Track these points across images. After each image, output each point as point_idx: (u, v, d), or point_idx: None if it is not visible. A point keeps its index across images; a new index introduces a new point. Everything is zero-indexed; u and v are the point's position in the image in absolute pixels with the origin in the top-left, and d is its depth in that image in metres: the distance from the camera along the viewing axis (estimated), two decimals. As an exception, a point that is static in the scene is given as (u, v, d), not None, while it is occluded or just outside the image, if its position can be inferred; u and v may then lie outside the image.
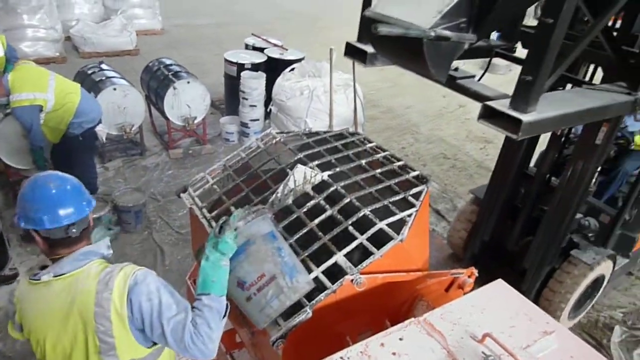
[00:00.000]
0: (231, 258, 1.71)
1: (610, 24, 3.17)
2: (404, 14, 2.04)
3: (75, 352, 1.62)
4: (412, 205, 2.13)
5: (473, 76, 2.63)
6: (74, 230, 1.63)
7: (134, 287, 1.57)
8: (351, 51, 2.70)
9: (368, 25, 2.12)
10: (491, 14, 2.04)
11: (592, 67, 3.62)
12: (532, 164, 3.97)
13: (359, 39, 2.70)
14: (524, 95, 1.93)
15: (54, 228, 1.59)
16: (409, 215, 2.07)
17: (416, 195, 2.20)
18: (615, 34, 2.83)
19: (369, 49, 2.59)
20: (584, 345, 1.79)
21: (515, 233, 3.84)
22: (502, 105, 1.99)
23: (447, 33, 1.97)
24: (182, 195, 2.54)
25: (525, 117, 1.92)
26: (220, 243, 1.67)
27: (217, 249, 1.67)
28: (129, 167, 5.60)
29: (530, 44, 1.96)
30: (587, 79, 3.52)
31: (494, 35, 3.14)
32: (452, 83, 2.59)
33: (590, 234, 3.73)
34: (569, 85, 3.24)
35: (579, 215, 3.63)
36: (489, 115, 2.01)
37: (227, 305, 1.65)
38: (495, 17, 2.06)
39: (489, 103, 2.01)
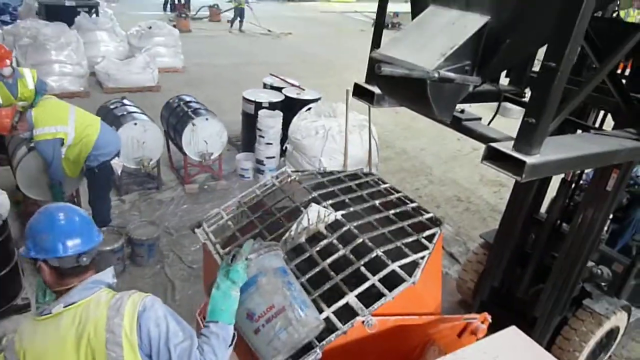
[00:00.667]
0: (241, 289, 1.73)
1: (619, 70, 3.21)
2: (409, 55, 2.09)
3: None
4: (425, 248, 2.13)
5: (479, 118, 2.65)
6: (84, 259, 1.66)
7: (142, 313, 1.60)
8: (359, 92, 2.72)
9: (374, 67, 2.21)
10: (495, 58, 2.08)
11: (602, 113, 3.63)
12: (543, 209, 3.93)
13: (367, 80, 2.74)
14: (527, 137, 1.92)
15: (65, 256, 1.63)
16: (422, 258, 2.07)
17: (429, 238, 2.20)
18: (624, 80, 2.86)
19: (377, 90, 2.63)
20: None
21: (525, 280, 3.74)
22: (505, 147, 1.98)
23: (451, 75, 2.01)
24: (196, 230, 2.57)
25: (529, 159, 1.90)
26: (232, 272, 1.71)
27: (228, 277, 1.71)
28: (145, 200, 5.67)
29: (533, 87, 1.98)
30: (597, 124, 3.52)
31: (505, 80, 3.19)
32: (458, 124, 2.60)
33: (603, 283, 3.64)
34: (578, 131, 3.25)
35: (590, 264, 3.57)
36: (493, 156, 2.00)
37: (234, 334, 1.67)
38: (500, 61, 2.10)
39: (493, 144, 2.01)
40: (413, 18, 2.32)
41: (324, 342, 1.81)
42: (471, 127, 2.57)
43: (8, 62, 4.73)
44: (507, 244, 3.72)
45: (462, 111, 2.64)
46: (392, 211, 2.40)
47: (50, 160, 4.28)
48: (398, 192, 2.62)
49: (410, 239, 2.18)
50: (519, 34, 2.00)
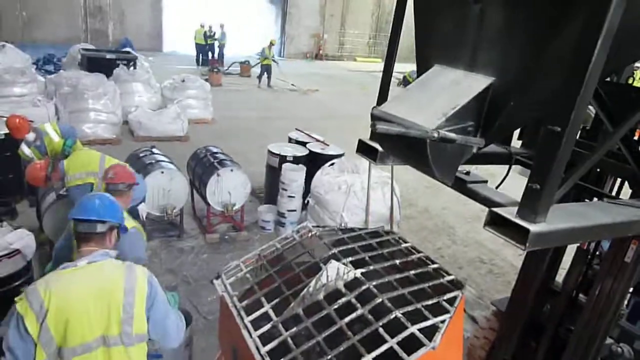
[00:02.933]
0: None
1: (637, 137, 3.13)
2: (409, 114, 2.05)
3: (100, 323, 2.07)
4: (446, 311, 2.07)
5: (485, 181, 2.58)
6: (103, 229, 2.25)
7: (151, 276, 2.23)
8: (363, 149, 2.63)
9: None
10: (499, 120, 2.03)
11: (619, 180, 3.44)
12: (559, 277, 3.77)
13: (371, 137, 2.66)
14: (531, 204, 1.81)
15: (89, 221, 2.23)
16: (442, 322, 2.01)
17: (451, 301, 2.15)
18: None
19: (380, 147, 2.57)
20: None
21: (540, 355, 3.49)
22: (508, 213, 1.87)
23: (452, 135, 1.96)
24: (214, 281, 2.56)
25: (534, 227, 1.79)
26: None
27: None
28: (166, 248, 5.72)
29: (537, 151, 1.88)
30: (614, 192, 3.42)
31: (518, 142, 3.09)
32: (462, 186, 2.51)
33: None
34: (594, 199, 3.16)
35: (609, 341, 3.36)
36: (496, 222, 1.89)
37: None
38: (504, 123, 2.05)
39: (495, 210, 1.91)
40: (418, 77, 2.33)
41: (338, 407, 1.75)
42: (476, 189, 2.46)
43: (28, 130, 5.05)
44: (520, 315, 3.48)
45: (468, 173, 2.58)
46: (413, 271, 2.36)
47: None
48: (419, 252, 2.59)
49: (430, 302, 2.13)
50: (524, 97, 1.97)
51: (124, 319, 2.08)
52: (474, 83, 2.04)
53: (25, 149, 5.14)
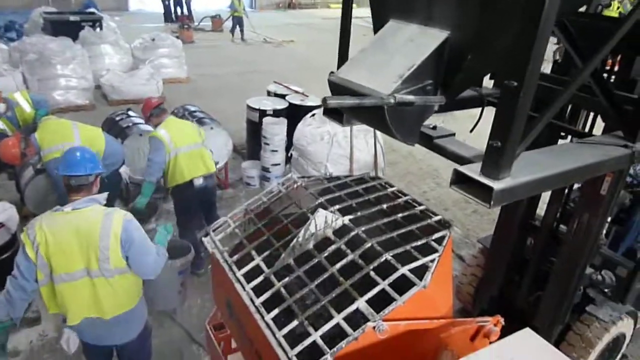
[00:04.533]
0: None
1: (608, 67, 2.99)
2: (365, 79, 1.98)
3: (81, 258, 2.49)
4: (435, 251, 2.09)
5: (452, 134, 2.52)
6: (90, 180, 2.62)
7: (127, 221, 2.57)
8: (329, 111, 2.54)
9: (335, 89, 2.13)
10: (459, 75, 1.95)
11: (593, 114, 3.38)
12: (541, 210, 3.74)
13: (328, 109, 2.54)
14: (494, 161, 1.78)
15: (78, 176, 2.57)
16: (432, 261, 2.03)
17: (439, 240, 2.17)
18: (613, 78, 2.66)
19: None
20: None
21: (524, 288, 3.61)
22: (472, 171, 1.84)
23: (410, 98, 1.89)
24: (203, 239, 2.55)
25: (497, 185, 1.77)
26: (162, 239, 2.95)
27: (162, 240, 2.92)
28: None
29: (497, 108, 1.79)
30: (588, 127, 3.32)
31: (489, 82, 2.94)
32: (429, 143, 2.45)
33: (606, 289, 3.54)
34: (568, 138, 3.11)
35: (590, 271, 3.45)
36: (462, 180, 1.87)
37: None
38: (464, 79, 1.97)
39: (459, 168, 1.88)
40: (375, 32, 2.22)
41: (334, 349, 1.78)
42: (443, 145, 2.41)
43: None
44: (504, 251, 3.59)
45: (435, 127, 2.53)
46: (400, 215, 2.37)
47: (58, 180, 4.30)
48: (405, 195, 2.59)
49: (419, 242, 2.15)
50: (480, 51, 1.88)
51: (101, 258, 2.49)
52: (430, 39, 1.96)
53: None
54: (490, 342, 2.29)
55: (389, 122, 1.96)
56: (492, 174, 1.80)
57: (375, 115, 1.96)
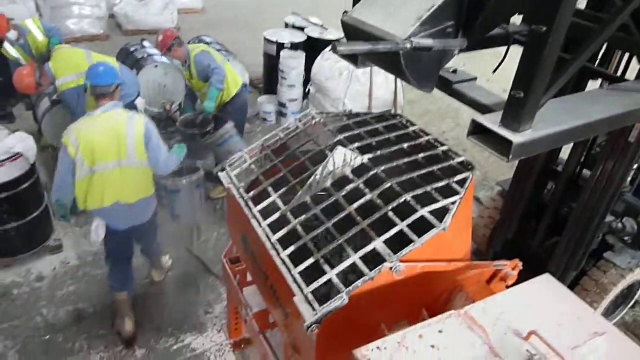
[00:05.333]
0: None
1: None
2: (381, 20, 1.83)
3: (114, 152, 3.05)
4: (456, 193, 2.02)
5: (474, 79, 2.35)
6: (112, 89, 3.16)
7: (147, 122, 3.16)
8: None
9: (348, 31, 1.99)
10: (484, 14, 1.80)
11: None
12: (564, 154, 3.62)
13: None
14: (515, 113, 1.66)
15: (102, 85, 3.14)
16: (453, 203, 1.97)
17: (461, 183, 2.09)
18: None
19: None
20: (639, 349, 1.67)
21: (540, 233, 3.55)
22: (492, 122, 1.72)
23: (429, 42, 1.75)
24: (220, 174, 2.52)
25: (517, 138, 1.66)
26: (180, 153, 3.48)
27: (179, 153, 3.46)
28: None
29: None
30: (621, 71, 3.07)
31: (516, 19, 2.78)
32: (448, 88, 2.30)
33: (626, 237, 3.47)
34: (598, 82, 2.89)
35: (610, 219, 3.36)
36: (480, 131, 1.75)
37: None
38: (489, 17, 1.81)
39: (478, 119, 1.76)
40: None
41: (350, 288, 1.77)
42: (463, 90, 2.26)
43: (8, 28, 4.70)
44: (522, 195, 3.50)
45: (455, 71, 2.36)
46: (422, 155, 2.28)
47: (75, 108, 4.25)
48: (427, 134, 2.49)
49: (440, 184, 2.08)
50: None
51: (129, 151, 3.08)
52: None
53: (9, 49, 4.86)
54: (507, 286, 2.28)
55: (405, 68, 1.84)
56: (512, 126, 1.70)
57: (390, 60, 1.84)
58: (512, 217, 3.64)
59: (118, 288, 3.51)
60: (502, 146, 1.71)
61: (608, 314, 3.64)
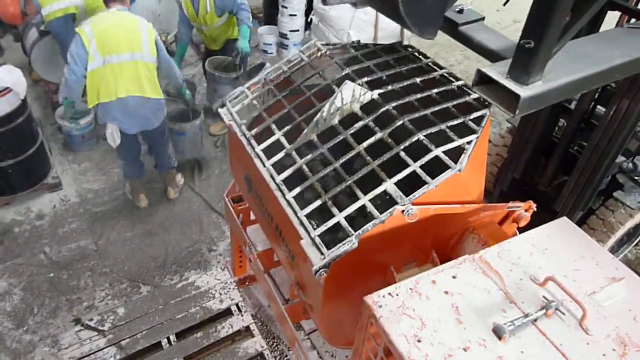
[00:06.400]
0: None
1: None
2: None
3: (127, 44, 3.27)
4: (473, 132, 1.90)
5: (481, 19, 2.13)
6: None
7: (155, 32, 3.44)
8: None
9: None
10: None
11: None
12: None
13: None
14: (524, 64, 1.51)
15: None
16: (469, 143, 1.85)
17: (477, 120, 1.95)
18: None
19: None
20: (657, 294, 1.62)
21: (549, 171, 3.49)
22: (498, 73, 1.58)
23: None
24: (219, 110, 2.38)
25: (525, 92, 1.51)
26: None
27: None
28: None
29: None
30: None
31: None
32: (453, 30, 2.12)
33: (637, 177, 3.39)
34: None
35: (621, 159, 3.28)
36: (485, 82, 1.62)
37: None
38: None
39: (484, 70, 1.61)
40: None
41: (360, 231, 1.69)
42: (469, 33, 2.07)
43: None
44: (532, 132, 3.38)
45: (461, 11, 2.15)
46: (436, 90, 2.12)
47: (64, 40, 4.02)
48: (442, 68, 2.32)
49: (455, 122, 1.94)
50: None
51: (143, 45, 3.30)
52: None
53: None
54: (519, 228, 2.21)
55: (403, 12, 1.66)
56: (520, 78, 1.55)
57: (387, 4, 1.67)
58: (521, 155, 3.54)
59: (131, 176, 3.96)
60: (508, 99, 1.58)
61: (612, 252, 3.62)
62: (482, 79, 1.64)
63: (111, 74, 3.26)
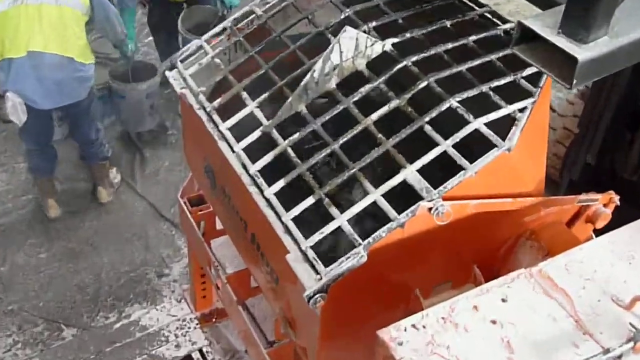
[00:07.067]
0: None
1: None
2: None
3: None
4: (528, 95, 1.93)
5: None
6: None
7: None
8: None
9: None
10: None
11: None
12: None
13: None
14: (582, 14, 1.46)
15: None
16: (522, 110, 1.88)
17: (533, 79, 1.99)
18: None
19: None
20: None
21: (635, 152, 3.52)
22: (548, 27, 1.53)
23: None
24: (167, 73, 2.41)
25: (584, 53, 1.45)
26: None
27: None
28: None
29: None
30: None
31: None
32: None
33: None
34: None
35: None
36: (530, 39, 1.56)
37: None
38: None
39: (525, 21, 1.54)
40: None
41: (370, 239, 1.72)
42: None
43: None
44: (612, 95, 3.40)
45: None
46: (474, 37, 2.16)
47: None
48: (482, 5, 2.36)
49: (502, 81, 1.98)
50: None
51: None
52: None
53: None
54: (595, 230, 2.27)
55: None
56: (577, 33, 1.51)
57: None
58: (597, 129, 3.58)
59: (39, 172, 3.92)
60: (562, 64, 1.56)
61: None
62: (525, 35, 1.65)
63: (25, 18, 3.29)
